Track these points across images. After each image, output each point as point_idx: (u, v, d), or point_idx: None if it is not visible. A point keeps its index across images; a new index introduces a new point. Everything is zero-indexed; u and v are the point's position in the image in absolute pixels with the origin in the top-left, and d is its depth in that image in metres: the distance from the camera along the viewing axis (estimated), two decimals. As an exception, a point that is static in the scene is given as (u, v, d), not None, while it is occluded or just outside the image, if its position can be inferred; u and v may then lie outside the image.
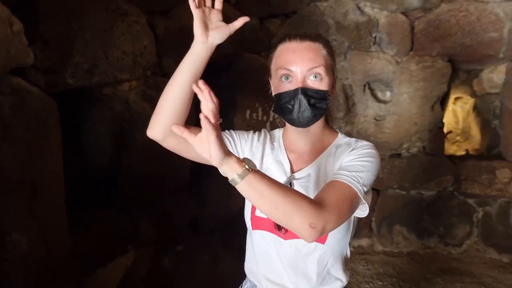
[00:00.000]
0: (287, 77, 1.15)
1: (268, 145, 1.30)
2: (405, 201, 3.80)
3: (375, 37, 3.61)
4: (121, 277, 2.57)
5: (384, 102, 3.71)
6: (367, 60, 3.61)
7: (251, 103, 3.37)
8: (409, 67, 3.57)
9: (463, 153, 4.29)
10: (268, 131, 1.35)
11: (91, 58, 2.19)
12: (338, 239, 1.20)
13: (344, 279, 1.26)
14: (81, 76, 2.15)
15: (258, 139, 1.31)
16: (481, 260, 3.68)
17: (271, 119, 3.46)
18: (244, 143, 1.29)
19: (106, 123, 2.53)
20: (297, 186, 1.20)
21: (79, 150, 2.61)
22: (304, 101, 1.12)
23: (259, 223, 1.23)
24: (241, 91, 3.34)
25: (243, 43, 3.26)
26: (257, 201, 0.96)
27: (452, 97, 4.41)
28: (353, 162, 1.12)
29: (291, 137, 1.28)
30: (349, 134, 3.84)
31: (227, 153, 0.92)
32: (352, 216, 1.17)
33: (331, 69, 1.19)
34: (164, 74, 2.86)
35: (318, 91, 1.14)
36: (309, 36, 1.17)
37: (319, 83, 1.14)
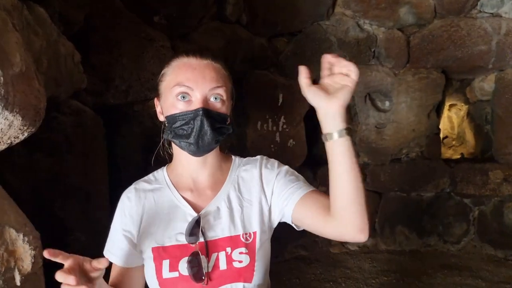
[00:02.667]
0: (184, 96, 1.01)
1: (148, 195, 1.12)
2: (405, 203, 4.12)
3: (374, 51, 3.96)
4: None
5: (384, 111, 4.06)
6: (367, 73, 3.96)
7: (262, 115, 3.70)
8: (406, 78, 3.92)
9: (458, 156, 4.62)
10: (139, 182, 1.17)
11: (127, 80, 2.53)
12: (264, 274, 1.10)
13: None
14: (119, 96, 2.49)
15: (130, 200, 1.12)
16: (478, 256, 4.00)
17: (280, 129, 3.79)
18: (131, 224, 1.10)
19: (137, 137, 2.86)
20: (208, 226, 1.07)
21: (111, 162, 2.94)
22: (206, 124, 0.99)
23: (172, 285, 1.04)
24: (252, 104, 3.67)
25: (252, 60, 3.61)
26: (354, 162, 0.96)
27: (447, 104, 4.75)
28: (288, 172, 1.15)
29: (182, 173, 1.13)
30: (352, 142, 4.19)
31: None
32: (269, 248, 1.14)
33: (231, 93, 1.11)
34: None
35: (220, 114, 1.04)
36: (211, 54, 1.09)
37: (221, 106, 1.04)
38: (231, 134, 1.14)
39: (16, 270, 1.08)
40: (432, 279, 3.60)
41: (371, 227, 1.00)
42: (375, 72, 3.95)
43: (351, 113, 4.20)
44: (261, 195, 1.13)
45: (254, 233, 1.09)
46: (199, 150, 1.02)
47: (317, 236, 4.20)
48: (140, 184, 1.16)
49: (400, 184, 4.08)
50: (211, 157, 1.11)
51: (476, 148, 4.58)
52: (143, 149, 2.90)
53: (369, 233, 0.99)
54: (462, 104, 4.87)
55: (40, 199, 1.55)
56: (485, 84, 4.09)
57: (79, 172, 1.99)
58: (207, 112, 1.00)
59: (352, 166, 0.96)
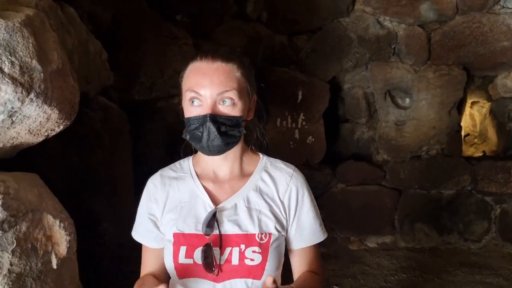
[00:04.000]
0: (194, 100, 1.05)
1: (173, 182, 1.17)
2: (425, 200, 4.11)
3: (394, 48, 3.96)
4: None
5: (404, 108, 4.05)
6: (387, 69, 3.96)
7: (281, 112, 3.75)
8: (427, 75, 3.91)
9: (480, 154, 4.58)
10: (165, 169, 1.23)
11: (151, 77, 2.62)
12: (273, 272, 1.12)
13: None
14: (143, 93, 2.58)
15: (156, 186, 1.19)
16: (499, 254, 3.96)
17: (299, 126, 3.83)
18: (156, 208, 1.18)
19: (160, 132, 2.94)
20: (224, 220, 1.11)
21: (134, 157, 3.03)
22: (213, 129, 1.02)
23: (185, 271, 1.10)
24: (272, 101, 3.72)
25: (273, 58, 3.66)
26: None
27: (468, 101, 4.71)
28: (312, 207, 1.19)
29: (205, 165, 1.18)
30: (371, 139, 4.21)
31: None
32: (284, 249, 1.18)
33: (246, 92, 1.11)
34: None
35: (230, 118, 1.05)
36: (222, 55, 1.08)
37: (231, 109, 1.06)
38: (259, 131, 1.20)
39: (53, 254, 1.16)
40: (452, 276, 3.59)
41: None
42: (395, 69, 3.95)
43: (370, 110, 4.21)
44: (282, 205, 1.16)
45: (270, 234, 1.12)
46: (211, 153, 1.07)
47: (336, 233, 4.23)
48: (166, 171, 1.21)
49: (420, 181, 4.07)
50: (232, 153, 1.14)
51: (499, 146, 4.52)
52: (165, 145, 2.98)
53: None
54: (485, 101, 4.81)
55: (71, 190, 1.64)
56: (508, 81, 4.05)
57: (106, 166, 2.07)
58: (213, 117, 1.02)
59: None
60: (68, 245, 1.20)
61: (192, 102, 1.05)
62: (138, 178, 2.94)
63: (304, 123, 3.83)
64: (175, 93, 2.93)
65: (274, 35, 3.62)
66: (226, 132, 1.05)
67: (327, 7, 3.73)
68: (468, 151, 4.87)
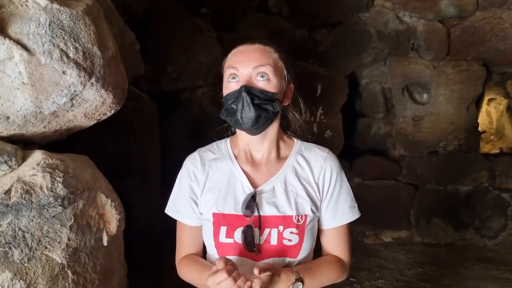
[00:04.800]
0: (233, 77, 1.12)
1: (212, 163, 1.21)
2: (442, 196, 4.14)
3: (413, 43, 3.99)
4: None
5: (422, 103, 4.09)
6: (405, 65, 3.99)
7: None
8: (446, 70, 3.94)
9: (497, 151, 4.60)
10: (203, 150, 1.28)
11: (178, 69, 2.68)
12: (308, 251, 1.18)
13: None
14: (170, 84, 2.64)
15: (195, 165, 1.23)
16: (516, 251, 3.99)
17: (318, 120, 3.88)
18: (197, 187, 1.22)
19: (185, 123, 3.01)
20: (263, 203, 1.15)
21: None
22: (247, 100, 1.07)
23: (226, 250, 1.14)
24: (291, 94, 3.76)
25: (293, 51, 3.70)
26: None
27: (486, 98, 4.72)
28: (343, 189, 1.23)
29: (243, 147, 1.21)
30: (388, 134, 4.25)
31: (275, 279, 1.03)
32: (317, 229, 1.23)
33: (282, 74, 1.16)
34: (227, 80, 3.33)
35: (263, 91, 1.10)
36: (261, 41, 1.17)
37: (266, 84, 1.10)
38: (294, 118, 1.25)
39: (104, 231, 1.23)
40: (469, 272, 3.62)
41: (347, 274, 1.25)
42: (414, 64, 3.99)
43: (388, 106, 4.25)
44: (316, 187, 1.20)
45: (306, 216, 1.16)
46: (244, 125, 1.10)
47: (351, 226, 4.27)
48: (204, 151, 1.26)
49: (437, 177, 4.10)
50: (269, 135, 1.18)
51: (516, 143, 4.54)
52: (190, 135, 3.05)
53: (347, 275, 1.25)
54: (502, 98, 4.83)
55: (106, 175, 1.70)
56: (527, 78, 4.06)
57: (138, 153, 2.14)
58: (248, 89, 1.08)
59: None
60: (117, 224, 1.27)
61: (232, 78, 1.12)
62: (164, 167, 3.01)
63: (322, 117, 3.87)
64: (200, 84, 3.00)
65: (294, 29, 3.67)
66: (260, 105, 1.08)
67: (347, 2, 3.77)
68: (485, 148, 4.89)
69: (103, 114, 1.22)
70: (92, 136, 1.62)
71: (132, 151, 2.09)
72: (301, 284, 1.07)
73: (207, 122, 3.02)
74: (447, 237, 4.19)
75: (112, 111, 1.25)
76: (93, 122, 1.25)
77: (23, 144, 1.18)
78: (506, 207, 4.06)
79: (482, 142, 4.92)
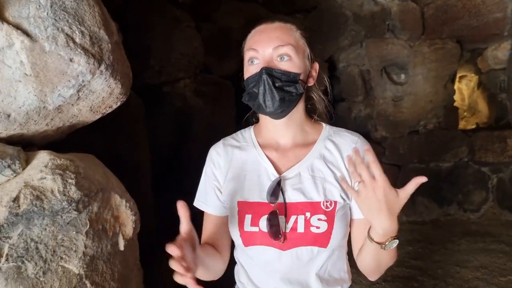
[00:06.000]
0: (253, 60, 1.07)
1: (236, 151, 1.18)
2: (425, 174, 4.11)
3: (388, 24, 4.01)
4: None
5: (401, 84, 4.12)
6: (382, 46, 4.01)
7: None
8: (422, 50, 3.98)
9: (473, 126, 4.71)
10: (227, 139, 1.24)
11: (160, 61, 2.55)
12: (340, 240, 1.12)
13: (347, 279, 1.20)
14: (153, 77, 2.52)
15: (219, 154, 1.19)
16: (498, 222, 4.12)
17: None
18: (220, 174, 1.18)
19: (167, 117, 2.88)
20: (289, 189, 1.10)
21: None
22: (268, 83, 1.02)
23: (251, 239, 1.11)
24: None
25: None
26: (389, 260, 1.08)
27: (457, 76, 4.83)
28: None
29: (267, 134, 1.17)
30: (369, 117, 4.26)
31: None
32: (349, 216, 1.17)
33: (304, 53, 1.10)
34: (208, 71, 3.23)
35: (285, 73, 1.04)
36: (282, 18, 1.11)
37: (288, 64, 1.05)
38: (319, 99, 1.18)
39: (120, 235, 1.12)
40: (457, 246, 3.71)
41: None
42: (391, 45, 4.01)
43: (367, 88, 4.25)
44: (347, 173, 1.13)
45: (335, 202, 1.10)
46: (267, 109, 1.04)
47: None
48: (228, 140, 1.21)
49: (419, 156, 4.16)
50: (294, 120, 1.12)
51: (490, 117, 4.67)
52: (174, 129, 2.93)
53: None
54: (473, 74, 4.94)
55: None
56: (499, 53, 4.17)
57: (127, 150, 2.02)
58: (268, 71, 1.02)
59: (386, 259, 1.07)
60: (133, 226, 1.16)
61: (251, 62, 1.06)
62: (151, 162, 2.89)
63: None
64: (181, 76, 2.88)
65: (272, 15, 3.59)
66: (282, 87, 1.03)
67: (322, -15, 3.74)
68: (460, 124, 5.00)
69: (109, 107, 1.11)
70: (78, 136, 1.50)
71: (121, 148, 1.97)
72: (396, 243, 1.02)
73: (191, 114, 2.91)
74: (431, 214, 4.27)
75: (119, 103, 1.14)
76: (97, 117, 1.13)
77: (22, 146, 1.05)
78: (486, 180, 4.17)
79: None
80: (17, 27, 0.84)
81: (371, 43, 4.03)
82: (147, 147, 2.31)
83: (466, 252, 3.59)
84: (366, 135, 4.27)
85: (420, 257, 3.56)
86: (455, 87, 5.08)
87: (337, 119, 4.53)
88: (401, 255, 3.62)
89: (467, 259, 3.46)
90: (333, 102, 4.37)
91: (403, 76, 4.14)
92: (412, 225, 4.19)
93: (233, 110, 3.20)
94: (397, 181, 4.24)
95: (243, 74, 1.13)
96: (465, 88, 5.23)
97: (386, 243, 0.99)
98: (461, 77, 5.14)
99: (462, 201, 4.21)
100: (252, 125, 1.24)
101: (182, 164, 2.99)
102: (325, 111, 1.22)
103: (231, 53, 3.24)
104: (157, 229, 2.32)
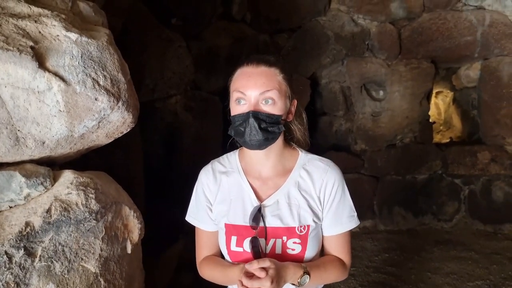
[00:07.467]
0: (240, 100, 1.20)
1: (223, 177, 1.35)
2: (401, 185, 4.51)
3: (368, 44, 4.32)
4: (177, 261, 3.16)
5: (379, 100, 4.43)
6: (362, 64, 4.31)
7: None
8: (399, 69, 4.30)
9: (447, 140, 5.05)
10: (215, 163, 1.40)
11: (154, 79, 2.80)
12: (312, 257, 1.30)
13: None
14: (147, 94, 2.75)
15: (208, 177, 1.37)
16: (469, 231, 4.44)
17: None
18: (211, 196, 1.36)
19: (160, 131, 3.13)
20: (268, 215, 1.27)
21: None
22: (254, 125, 1.17)
23: (237, 257, 1.29)
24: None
25: (257, 56, 3.89)
26: (319, 283, 1.29)
27: (434, 91, 5.16)
28: (342, 199, 1.32)
29: (250, 161, 1.33)
30: (349, 130, 4.55)
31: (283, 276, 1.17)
32: (321, 234, 1.35)
33: (286, 94, 1.24)
34: (196, 87, 3.48)
35: (270, 115, 1.19)
36: (266, 61, 1.23)
37: (272, 107, 1.20)
38: (300, 132, 1.38)
39: (128, 240, 1.36)
40: (430, 254, 4.00)
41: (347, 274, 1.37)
42: (370, 64, 4.31)
43: (347, 103, 4.55)
44: (318, 200, 1.31)
45: (308, 226, 1.27)
46: (252, 147, 1.21)
47: (350, 232, 4.52)
48: (216, 165, 1.38)
49: (395, 168, 4.46)
50: (274, 150, 1.28)
51: (463, 132, 5.01)
52: (165, 142, 3.17)
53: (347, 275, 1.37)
54: (448, 91, 5.29)
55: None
56: (471, 72, 4.51)
57: (123, 165, 2.25)
58: (255, 114, 1.17)
59: (329, 280, 1.31)
60: (139, 232, 1.40)
61: (238, 102, 1.21)
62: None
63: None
64: (173, 93, 3.13)
65: (257, 34, 3.87)
66: (266, 128, 1.18)
67: (305, 6, 4.03)
68: (436, 138, 5.34)
69: (121, 133, 1.35)
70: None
71: (118, 163, 2.19)
72: (308, 277, 1.21)
73: (181, 128, 3.16)
74: (407, 224, 4.56)
75: (128, 129, 1.38)
76: (110, 140, 1.37)
77: (47, 164, 1.28)
78: (459, 191, 4.49)
79: (433, 133, 5.36)
80: (55, 74, 1.08)
81: (351, 61, 4.34)
82: (142, 160, 2.54)
83: (438, 259, 3.89)
84: (347, 148, 4.58)
85: (395, 264, 3.85)
86: (432, 102, 5.43)
87: (319, 132, 4.76)
88: (378, 262, 3.90)
89: (438, 266, 3.75)
90: (316, 116, 4.65)
91: (381, 92, 4.45)
92: (388, 234, 4.48)
93: (220, 124, 3.45)
94: (375, 192, 4.53)
95: (228, 106, 1.29)
96: (441, 103, 5.58)
97: (299, 281, 1.20)
98: (437, 93, 5.48)
99: (436, 211, 4.52)
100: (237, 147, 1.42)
101: (172, 175, 3.22)
102: (302, 139, 1.39)
103: (218, 70, 3.50)
104: (148, 235, 2.55)
